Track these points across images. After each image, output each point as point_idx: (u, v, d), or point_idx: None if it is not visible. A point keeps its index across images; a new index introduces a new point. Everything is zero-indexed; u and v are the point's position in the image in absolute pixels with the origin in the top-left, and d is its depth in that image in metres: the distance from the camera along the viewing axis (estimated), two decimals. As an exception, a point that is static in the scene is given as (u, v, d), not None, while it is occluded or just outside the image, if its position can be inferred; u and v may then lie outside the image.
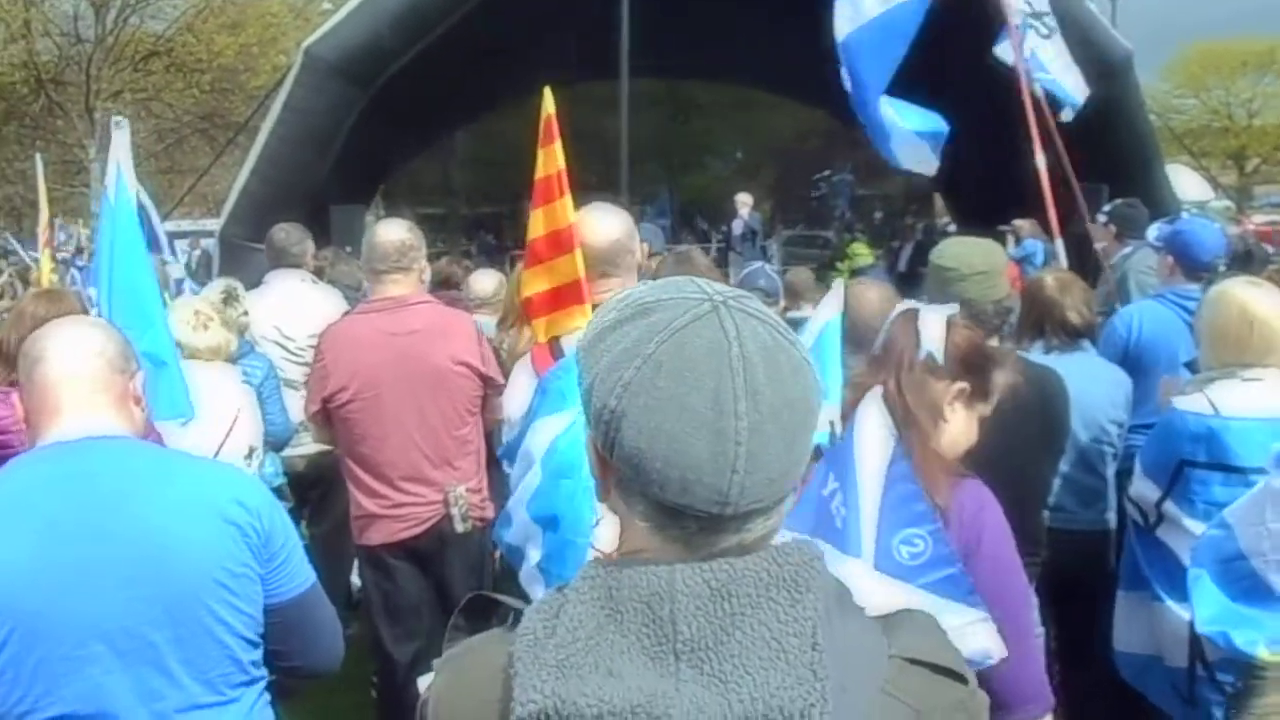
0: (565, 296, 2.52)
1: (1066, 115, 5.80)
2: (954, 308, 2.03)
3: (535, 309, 2.66)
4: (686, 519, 0.96)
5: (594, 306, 2.56)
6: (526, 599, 1.14)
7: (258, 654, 1.99)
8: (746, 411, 0.93)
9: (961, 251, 3.09)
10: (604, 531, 2.31)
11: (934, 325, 1.96)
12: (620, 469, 0.98)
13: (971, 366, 1.98)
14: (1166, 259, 4.42)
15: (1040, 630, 2.31)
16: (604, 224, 2.64)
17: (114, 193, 3.37)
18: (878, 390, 1.86)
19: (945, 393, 1.95)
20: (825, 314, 2.08)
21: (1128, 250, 5.71)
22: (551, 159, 2.54)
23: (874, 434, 1.80)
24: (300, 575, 2.04)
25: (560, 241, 2.51)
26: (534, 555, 2.44)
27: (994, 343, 3.09)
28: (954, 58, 5.96)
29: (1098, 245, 5.85)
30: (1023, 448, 2.46)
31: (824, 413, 1.80)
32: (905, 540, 1.75)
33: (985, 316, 2.94)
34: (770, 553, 0.97)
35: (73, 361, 1.92)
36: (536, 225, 2.59)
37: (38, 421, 1.93)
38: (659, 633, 0.93)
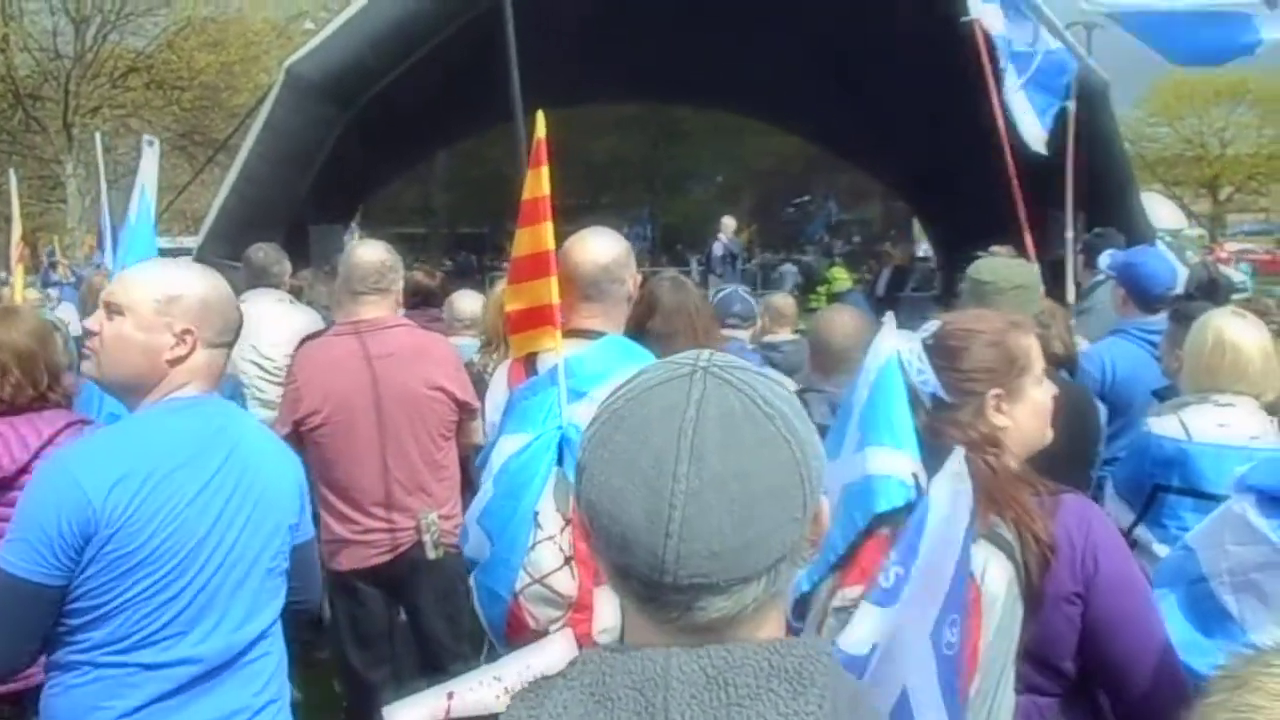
0: (538, 317, 2.53)
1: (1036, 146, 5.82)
2: (929, 329, 1.90)
3: (512, 325, 2.69)
4: (633, 582, 0.93)
5: (575, 330, 2.57)
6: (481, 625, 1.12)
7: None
8: (686, 475, 0.90)
9: (1000, 266, 3.14)
10: (539, 557, 2.39)
11: (915, 357, 1.84)
12: (584, 521, 0.97)
13: (995, 368, 1.86)
14: (1119, 290, 4.41)
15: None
16: (595, 249, 2.64)
17: (135, 214, 3.42)
18: (956, 459, 1.64)
19: (983, 411, 1.83)
20: (882, 352, 1.87)
21: (1099, 278, 5.74)
22: (539, 182, 2.55)
23: (953, 513, 1.61)
24: (310, 524, 2.41)
25: (539, 265, 2.52)
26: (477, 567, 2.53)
27: None
28: (936, 82, 6.02)
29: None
30: (1058, 466, 2.40)
31: (904, 461, 1.70)
32: (951, 624, 1.61)
33: None
34: (773, 644, 0.93)
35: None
36: (520, 244, 2.61)
37: (197, 379, 2.14)
38: None
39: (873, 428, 1.76)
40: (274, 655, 2.24)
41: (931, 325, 1.89)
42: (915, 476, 1.73)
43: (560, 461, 2.41)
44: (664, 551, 0.89)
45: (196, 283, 2.15)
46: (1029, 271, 3.20)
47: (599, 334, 2.60)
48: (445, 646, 3.67)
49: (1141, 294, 4.26)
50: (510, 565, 2.39)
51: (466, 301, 5.11)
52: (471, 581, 2.55)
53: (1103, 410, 3.63)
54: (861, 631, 1.56)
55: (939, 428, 1.78)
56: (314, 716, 3.87)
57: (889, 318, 1.93)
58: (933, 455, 1.74)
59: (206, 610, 2.08)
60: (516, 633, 2.40)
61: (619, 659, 0.93)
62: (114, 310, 2.10)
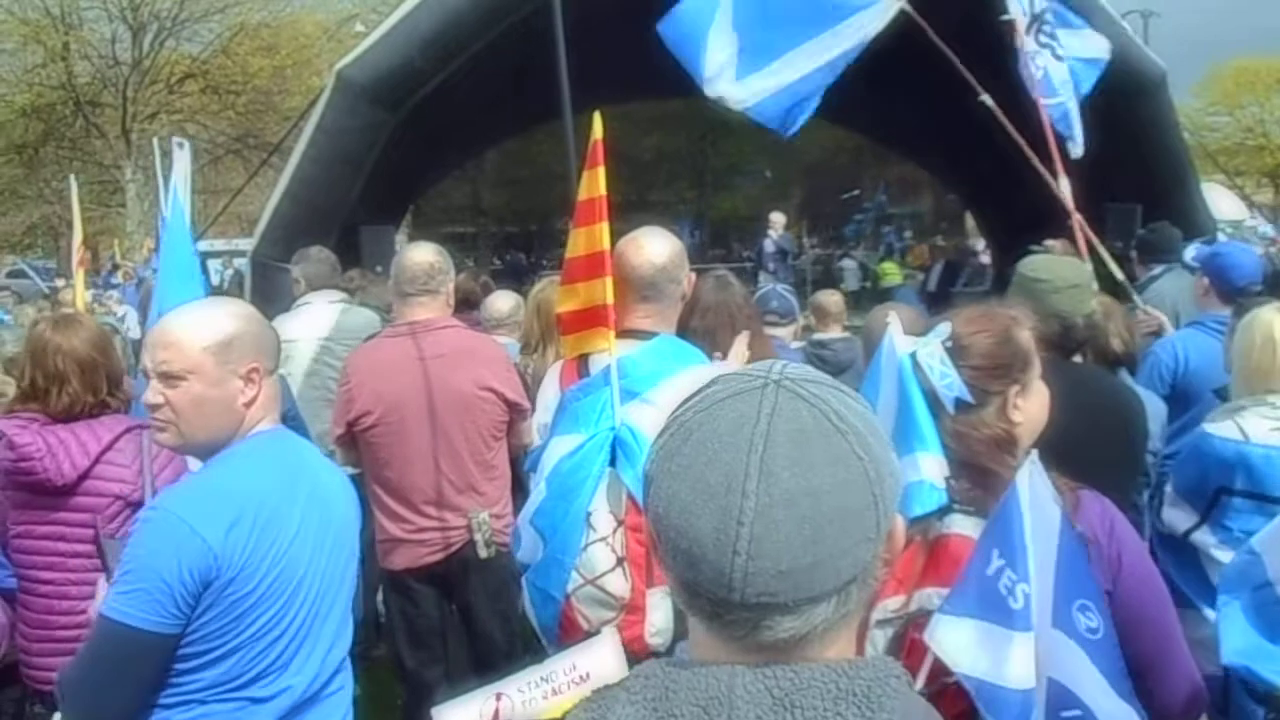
0: (593, 318, 2.54)
1: (1074, 151, 5.70)
2: (943, 331, 1.86)
3: (565, 326, 2.69)
4: (700, 599, 0.91)
5: (629, 331, 2.57)
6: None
7: None
8: (755, 491, 0.88)
9: (1053, 264, 3.10)
10: (592, 558, 2.40)
11: (937, 361, 1.80)
12: (653, 534, 0.95)
13: (1012, 365, 1.85)
14: (1202, 281, 4.39)
15: None
16: (650, 249, 2.63)
17: (171, 213, 3.46)
18: (1034, 456, 1.66)
19: (1005, 410, 1.82)
20: (895, 355, 1.86)
21: (1156, 272, 5.65)
22: (596, 182, 2.55)
23: (1041, 501, 1.64)
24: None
25: (594, 265, 2.52)
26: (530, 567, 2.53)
27: (1078, 358, 3.05)
28: (976, 72, 5.93)
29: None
30: (1100, 469, 2.35)
31: (934, 463, 1.70)
32: (1082, 609, 1.62)
33: (1076, 329, 2.91)
34: (842, 665, 0.91)
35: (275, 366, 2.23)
36: (576, 245, 2.61)
37: (263, 412, 2.15)
38: None
39: (897, 435, 1.74)
40: (349, 687, 2.27)
41: (945, 327, 1.86)
42: (948, 480, 1.72)
43: (613, 462, 2.41)
44: (731, 569, 0.88)
45: (237, 318, 2.13)
46: (1082, 269, 3.14)
47: (652, 334, 2.59)
48: (497, 645, 3.70)
49: (1225, 285, 4.22)
50: (563, 566, 2.40)
51: (501, 301, 5.12)
52: (524, 583, 2.55)
53: (1162, 409, 3.55)
54: (1019, 665, 1.56)
55: (963, 431, 1.77)
56: (374, 715, 3.91)
57: (894, 319, 1.92)
58: (958, 459, 1.74)
59: (305, 641, 2.12)
60: (569, 634, 2.41)
61: (683, 675, 0.91)
62: (174, 378, 2.04)
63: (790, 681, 0.89)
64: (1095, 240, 5.26)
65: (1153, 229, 6.10)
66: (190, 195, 3.90)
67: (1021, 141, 5.17)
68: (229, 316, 2.12)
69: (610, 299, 2.48)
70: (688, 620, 0.96)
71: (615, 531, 2.38)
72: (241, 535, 1.98)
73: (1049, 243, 5.71)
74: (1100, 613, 1.62)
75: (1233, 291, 4.18)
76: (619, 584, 2.38)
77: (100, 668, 1.99)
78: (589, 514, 2.40)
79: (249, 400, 2.09)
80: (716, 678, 0.89)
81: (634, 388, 2.43)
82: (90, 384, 2.93)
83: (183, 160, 3.80)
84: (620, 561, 2.39)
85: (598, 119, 2.57)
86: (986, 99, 5.34)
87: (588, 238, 2.55)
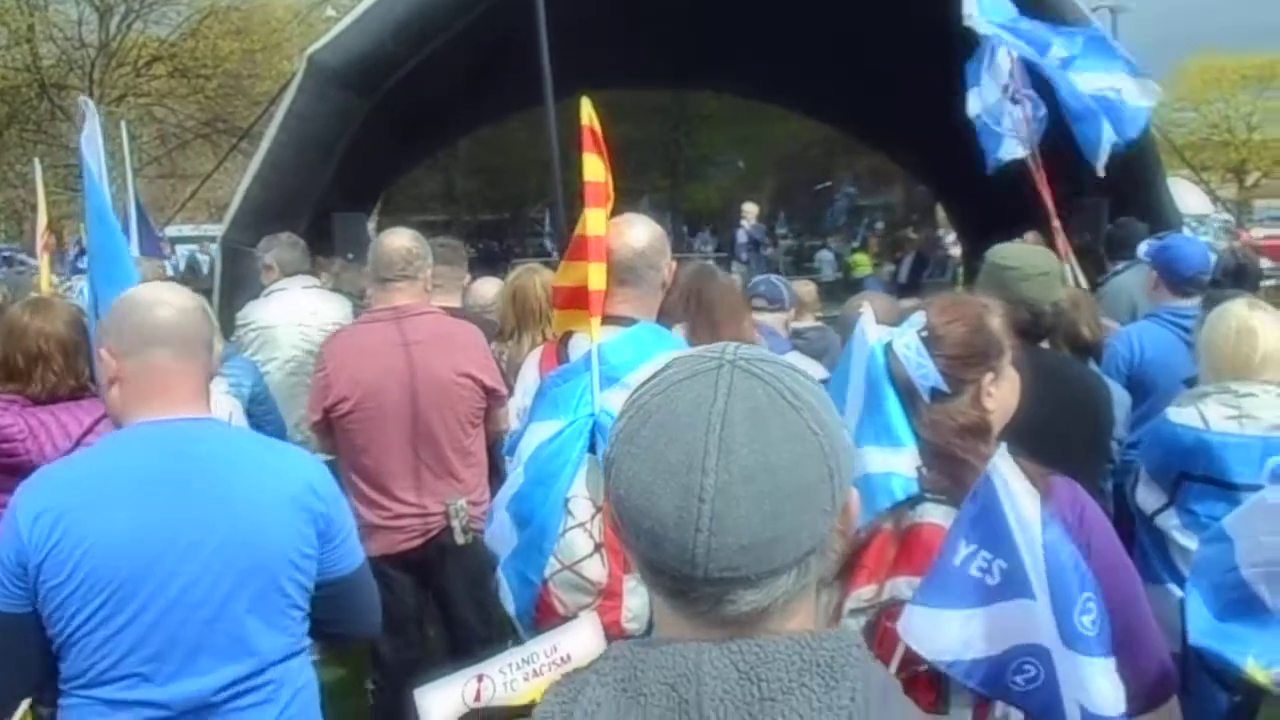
0: (578, 299, 2.55)
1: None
2: (918, 321, 1.87)
3: (557, 300, 2.71)
4: (664, 577, 0.93)
5: (608, 317, 2.58)
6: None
7: (306, 624, 2.15)
8: (715, 468, 0.90)
9: (1023, 252, 3.14)
10: (570, 543, 2.41)
11: (913, 351, 1.81)
12: (613, 515, 0.97)
13: (986, 352, 1.87)
14: (1151, 274, 4.48)
15: None
16: (629, 234, 2.64)
17: (88, 185, 3.38)
18: (1003, 449, 1.67)
19: (979, 397, 1.84)
20: (864, 346, 1.86)
21: (1119, 268, 5.74)
22: (599, 167, 2.56)
23: (1017, 490, 1.62)
24: (354, 555, 2.20)
25: (591, 248, 2.53)
26: (504, 554, 2.54)
27: (1046, 345, 3.09)
28: (958, 66, 5.99)
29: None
30: (1071, 453, 2.38)
31: (906, 458, 1.71)
32: (1084, 609, 1.60)
33: (1044, 316, 2.96)
34: (804, 637, 0.93)
35: (186, 353, 2.05)
36: (583, 224, 2.61)
37: (135, 399, 2.03)
38: (684, 717, 0.89)
39: (867, 427, 1.76)
40: (275, 704, 2.07)
41: (919, 317, 1.88)
42: (919, 470, 1.73)
43: (593, 448, 2.41)
44: (694, 545, 0.90)
45: (120, 301, 2.11)
46: (1051, 257, 3.20)
47: (632, 320, 2.61)
48: (474, 631, 3.71)
49: (1172, 276, 4.31)
50: (541, 551, 2.41)
51: (485, 288, 5.12)
52: (499, 569, 2.56)
53: (1126, 398, 3.62)
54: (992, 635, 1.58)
55: (938, 420, 1.79)
56: (344, 699, 3.92)
57: (866, 309, 1.93)
58: (930, 449, 1.76)
59: (166, 653, 1.97)
60: (545, 618, 2.42)
61: (650, 654, 0.93)
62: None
63: (755, 655, 0.90)
64: (1066, 245, 5.35)
65: (1119, 224, 6.20)
66: (134, 177, 3.74)
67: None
68: (168, 322, 2.06)
69: (599, 285, 2.49)
70: (652, 599, 0.98)
71: (594, 518, 2.39)
72: (45, 525, 1.93)
73: (1026, 236, 5.77)
74: (1096, 604, 1.62)
75: (1180, 282, 4.28)
76: (597, 570, 2.39)
77: None
78: (567, 500, 2.41)
79: (113, 388, 2.06)
80: (683, 655, 0.91)
81: (613, 374, 2.44)
82: (71, 367, 2.93)
83: (91, 123, 3.59)
84: (598, 547, 2.41)
85: (586, 103, 2.57)
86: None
87: (592, 220, 2.55)
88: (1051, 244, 5.52)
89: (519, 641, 2.60)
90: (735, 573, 0.90)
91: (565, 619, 2.36)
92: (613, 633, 2.28)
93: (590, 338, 2.50)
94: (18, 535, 1.95)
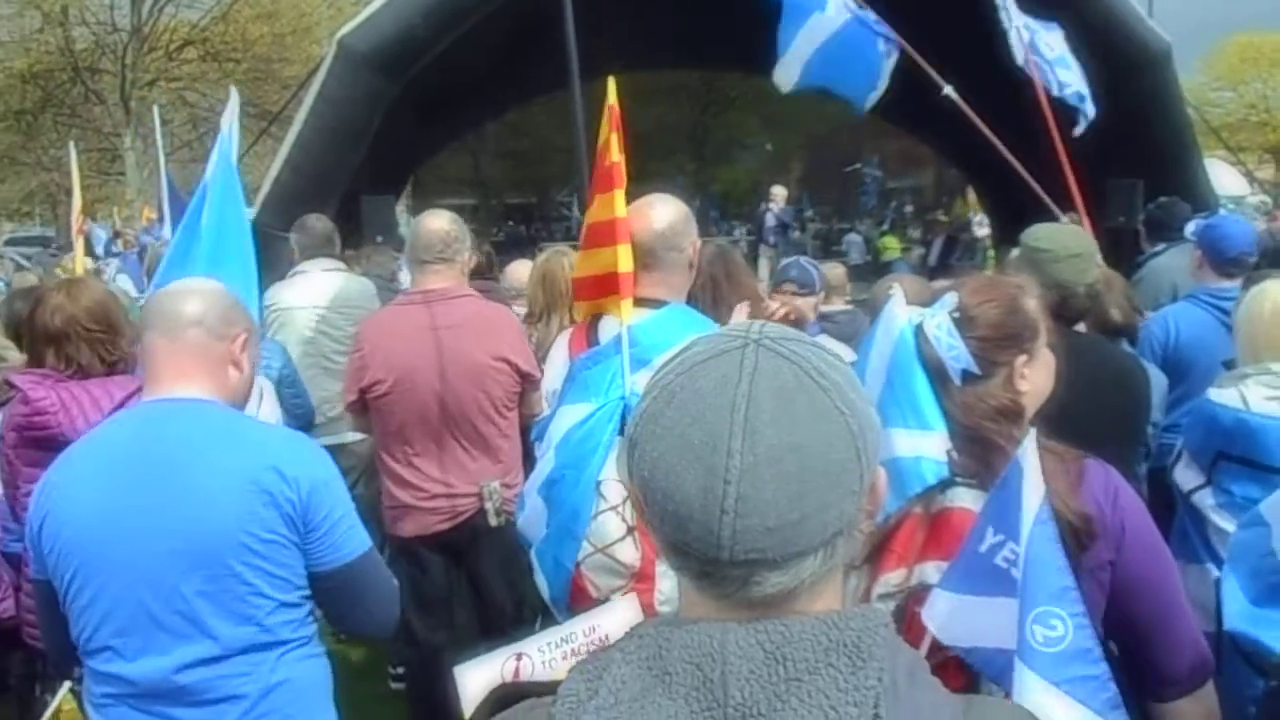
0: (607, 285, 2.53)
1: (1079, 125, 5.72)
2: (950, 302, 1.85)
3: (581, 291, 2.68)
4: (688, 559, 0.92)
5: (637, 299, 2.55)
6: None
7: (292, 615, 2.10)
8: (740, 450, 0.88)
9: (1056, 234, 3.10)
10: (602, 527, 2.40)
11: (944, 332, 1.79)
12: (639, 499, 0.96)
13: (1020, 334, 1.84)
14: (1196, 254, 4.43)
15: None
16: (650, 216, 2.60)
17: (217, 168, 3.46)
18: (1032, 434, 1.63)
19: (1012, 380, 1.81)
20: (893, 328, 1.82)
21: (1158, 249, 5.68)
22: (612, 148, 2.54)
23: (1034, 483, 1.60)
24: (348, 545, 2.12)
25: (610, 232, 2.51)
26: (537, 539, 2.53)
27: (1081, 327, 3.06)
28: (971, 46, 5.94)
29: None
30: (1105, 437, 2.33)
31: (935, 441, 1.69)
32: (1040, 619, 1.57)
33: (1077, 299, 2.93)
34: (831, 617, 0.92)
35: (172, 332, 2.09)
36: (595, 211, 2.59)
37: (146, 383, 2.14)
38: (709, 697, 0.88)
39: (895, 409, 1.73)
40: (244, 699, 2.04)
41: (951, 298, 1.86)
42: (949, 454, 1.71)
43: (623, 431, 2.38)
44: (719, 527, 0.88)
45: None
46: (1085, 238, 3.16)
47: (660, 302, 2.58)
48: (506, 612, 3.73)
49: (1217, 256, 4.25)
50: (574, 535, 2.40)
51: (521, 271, 5.10)
52: (532, 553, 2.55)
53: (1163, 380, 3.59)
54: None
55: (970, 403, 1.77)
56: (360, 683, 3.96)
57: (897, 290, 1.91)
58: (962, 433, 1.73)
59: (130, 629, 2.00)
60: (579, 602, 2.42)
61: (676, 633, 0.92)
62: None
63: (781, 635, 0.89)
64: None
65: (1161, 205, 6.10)
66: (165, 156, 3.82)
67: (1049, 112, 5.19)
68: (158, 306, 2.19)
69: (622, 266, 2.46)
70: (678, 580, 0.97)
71: (625, 501, 2.38)
72: (41, 497, 2.07)
73: (1066, 218, 5.72)
74: (1073, 620, 1.57)
75: (1225, 263, 4.22)
76: (629, 553, 2.38)
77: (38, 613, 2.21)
78: (599, 483, 2.40)
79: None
80: (709, 634, 0.90)
81: (644, 356, 2.42)
82: (101, 345, 2.97)
83: (233, 110, 3.68)
84: (630, 530, 2.40)
85: (612, 84, 2.56)
86: (949, 91, 5.37)
87: (605, 204, 2.53)
88: (1094, 227, 5.48)
89: (550, 623, 2.61)
90: (761, 555, 0.89)
91: (598, 602, 2.36)
92: (646, 615, 2.28)
93: (620, 320, 2.49)
94: (34, 505, 2.09)
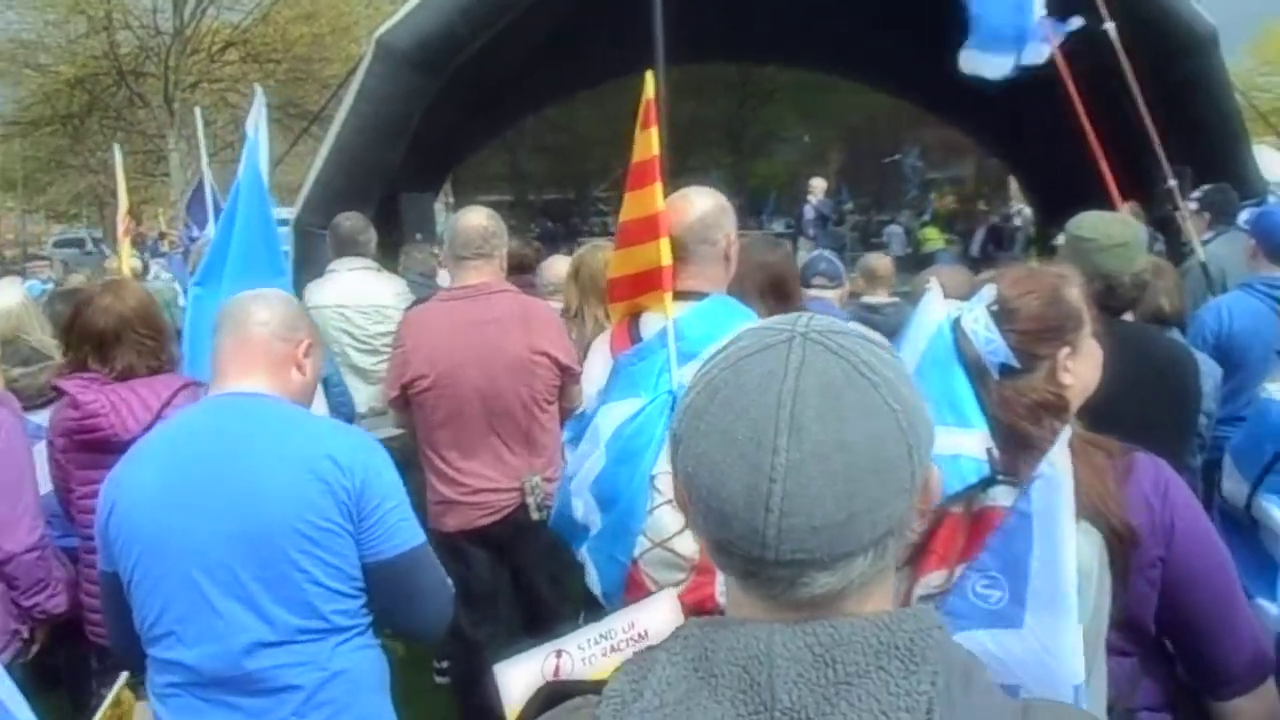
0: (649, 281, 2.49)
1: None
2: (988, 295, 1.82)
3: (618, 291, 2.64)
4: (733, 558, 0.90)
5: (679, 293, 2.51)
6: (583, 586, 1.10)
7: (348, 605, 2.13)
8: (786, 447, 0.86)
9: (1100, 223, 3.04)
10: (659, 521, 2.36)
11: (982, 326, 1.76)
12: (683, 495, 0.94)
13: (1062, 326, 1.81)
14: (1249, 243, 4.34)
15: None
16: (682, 208, 2.56)
17: (245, 170, 3.53)
18: (1060, 449, 1.56)
19: (1055, 373, 1.78)
20: (929, 323, 1.79)
21: (1208, 236, 5.58)
22: (649, 143, 2.51)
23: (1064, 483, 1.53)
24: (400, 537, 2.15)
25: (649, 227, 2.48)
26: (587, 536, 2.50)
27: (1129, 316, 3.00)
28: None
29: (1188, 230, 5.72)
30: (1155, 430, 2.28)
31: (976, 439, 1.65)
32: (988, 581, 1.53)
33: (1123, 288, 2.88)
34: (882, 618, 0.89)
35: (239, 332, 2.19)
36: (629, 208, 2.56)
37: (214, 381, 2.22)
38: (755, 700, 0.86)
39: (932, 406, 1.70)
40: (301, 689, 2.07)
41: (989, 291, 1.82)
42: (989, 452, 1.67)
43: None
44: (764, 526, 0.86)
45: None
46: (1131, 227, 3.09)
47: (700, 294, 2.54)
48: (549, 606, 3.75)
49: (1271, 245, 4.16)
50: (629, 531, 2.37)
51: (559, 266, 5.06)
52: (583, 549, 2.53)
53: (1216, 370, 3.52)
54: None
55: (1010, 397, 1.73)
56: (403, 676, 3.98)
57: (934, 284, 1.87)
58: (1001, 429, 1.69)
59: (190, 614, 2.05)
60: (636, 598, 2.34)
61: (721, 634, 0.90)
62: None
63: (830, 637, 0.87)
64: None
65: (1212, 191, 5.99)
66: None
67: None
68: (229, 310, 2.29)
69: (664, 260, 2.44)
70: (725, 579, 0.95)
71: None
72: (110, 487, 2.14)
73: (1124, 205, 5.64)
74: (1009, 590, 1.52)
75: (1279, 251, 4.13)
76: (689, 545, 2.32)
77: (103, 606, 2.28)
78: (653, 477, 2.37)
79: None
80: (755, 636, 0.88)
81: (690, 349, 2.38)
82: (147, 345, 3.01)
83: (258, 110, 3.76)
84: None
85: (649, 78, 2.54)
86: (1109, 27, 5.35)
87: (641, 200, 2.51)
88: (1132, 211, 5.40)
89: (594, 617, 2.59)
90: (808, 555, 0.87)
91: None
92: (707, 607, 2.24)
93: (663, 314, 2.47)
94: (101, 498, 2.17)
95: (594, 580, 2.50)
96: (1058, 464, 1.51)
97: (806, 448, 0.86)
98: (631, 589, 2.40)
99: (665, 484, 2.35)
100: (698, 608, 2.26)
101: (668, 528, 2.36)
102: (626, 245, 2.58)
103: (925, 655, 0.87)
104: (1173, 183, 5.68)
